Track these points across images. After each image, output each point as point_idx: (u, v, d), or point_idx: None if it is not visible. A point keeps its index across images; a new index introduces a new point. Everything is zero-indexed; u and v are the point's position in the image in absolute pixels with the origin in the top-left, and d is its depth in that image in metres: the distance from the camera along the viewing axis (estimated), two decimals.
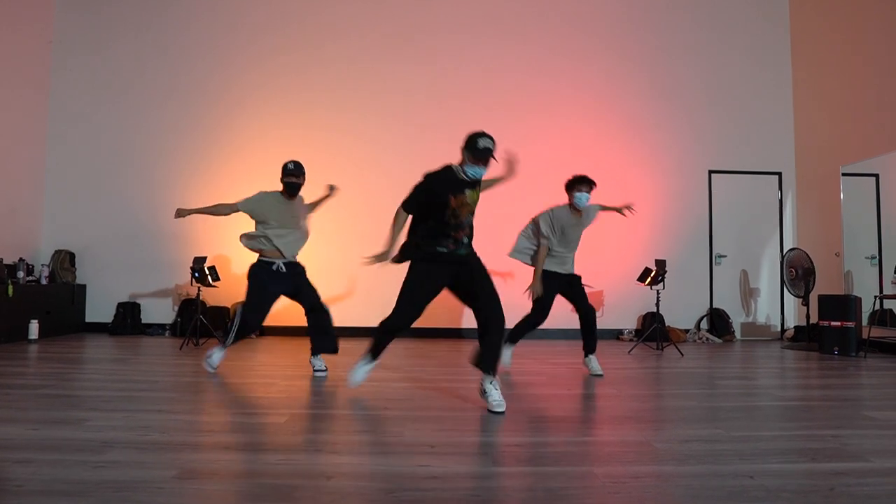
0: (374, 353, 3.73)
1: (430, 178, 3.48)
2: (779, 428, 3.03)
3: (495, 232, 7.52)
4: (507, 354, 4.92)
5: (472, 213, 3.57)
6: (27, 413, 3.15)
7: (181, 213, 4.48)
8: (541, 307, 4.73)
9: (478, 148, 3.37)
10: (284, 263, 4.49)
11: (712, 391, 4.09)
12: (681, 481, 2.19)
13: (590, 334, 4.79)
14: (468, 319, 7.55)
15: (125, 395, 3.66)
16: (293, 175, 4.49)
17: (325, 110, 7.75)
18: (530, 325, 4.81)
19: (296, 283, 4.55)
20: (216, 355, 4.56)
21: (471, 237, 3.61)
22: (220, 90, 7.77)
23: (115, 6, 7.84)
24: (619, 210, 5.12)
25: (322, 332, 4.61)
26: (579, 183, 4.66)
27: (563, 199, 4.83)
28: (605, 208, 5.09)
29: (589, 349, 4.83)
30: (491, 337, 3.45)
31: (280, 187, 4.57)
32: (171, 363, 5.07)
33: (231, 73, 7.79)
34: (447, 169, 3.52)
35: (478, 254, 3.69)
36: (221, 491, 2.05)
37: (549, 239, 4.69)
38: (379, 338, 3.67)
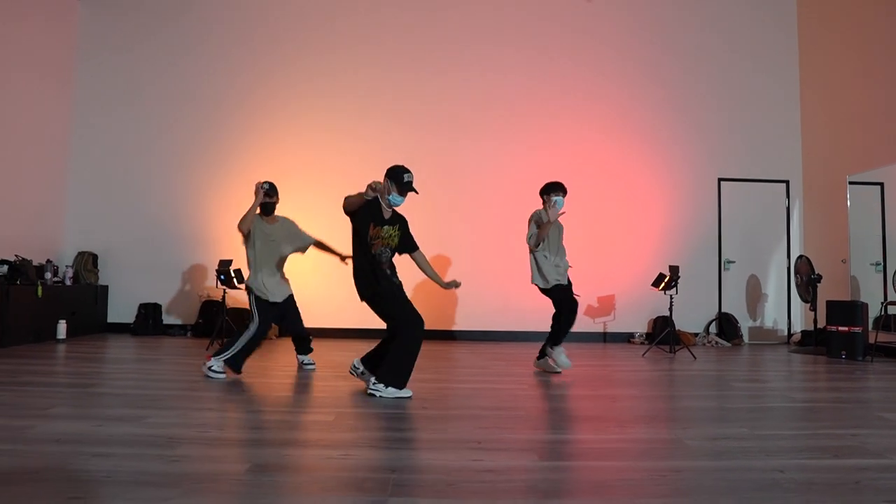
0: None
1: (365, 203, 3.89)
2: (799, 427, 3.22)
3: (504, 235, 7.71)
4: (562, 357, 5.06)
5: (390, 247, 3.99)
6: (87, 410, 3.32)
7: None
8: (564, 307, 4.97)
9: (403, 181, 3.89)
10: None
11: (730, 393, 4.28)
12: (717, 475, 2.36)
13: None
14: (466, 322, 7.75)
15: (172, 394, 3.83)
16: (266, 195, 4.73)
17: (346, 115, 7.93)
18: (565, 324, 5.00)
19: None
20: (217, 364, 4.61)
21: (393, 270, 4.03)
22: (243, 94, 7.95)
23: (138, 12, 8.02)
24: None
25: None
26: (557, 189, 4.99)
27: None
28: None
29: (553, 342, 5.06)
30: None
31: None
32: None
33: (253, 77, 7.97)
34: (376, 202, 3.94)
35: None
36: (297, 483, 2.22)
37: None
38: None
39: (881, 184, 7.19)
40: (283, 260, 4.90)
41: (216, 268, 6.47)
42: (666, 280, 6.34)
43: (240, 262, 7.53)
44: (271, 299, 4.73)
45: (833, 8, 7.83)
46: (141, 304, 7.70)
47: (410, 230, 4.17)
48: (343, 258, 4.98)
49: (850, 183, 7.33)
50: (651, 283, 6.77)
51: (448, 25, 8.07)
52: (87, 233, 7.84)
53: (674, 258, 7.80)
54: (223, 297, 6.42)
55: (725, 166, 8.10)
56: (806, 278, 7.20)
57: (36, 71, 7.23)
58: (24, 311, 6.25)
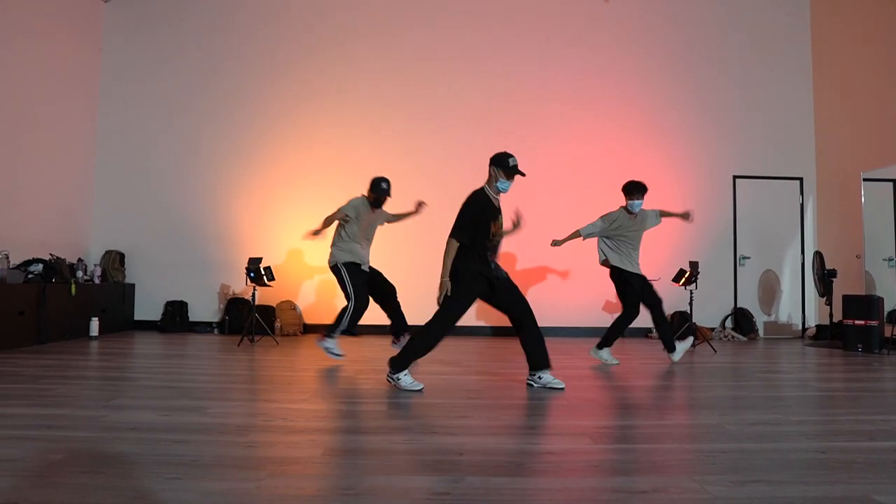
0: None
1: (477, 204, 3.95)
2: (830, 414, 3.37)
3: (533, 231, 7.87)
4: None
5: (500, 236, 4.12)
6: (147, 402, 3.47)
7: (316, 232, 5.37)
8: (631, 303, 5.35)
9: (509, 166, 3.95)
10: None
11: (755, 383, 4.42)
12: (764, 455, 2.51)
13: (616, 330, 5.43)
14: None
15: (222, 387, 3.98)
16: (386, 193, 5.34)
17: (367, 110, 8.08)
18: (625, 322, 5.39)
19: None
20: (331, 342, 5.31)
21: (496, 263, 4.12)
22: (266, 91, 8.10)
23: (162, 14, 8.16)
24: (681, 216, 5.75)
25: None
26: (634, 190, 5.48)
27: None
28: (665, 214, 5.70)
29: (606, 342, 5.42)
30: (532, 335, 4.09)
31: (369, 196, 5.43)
32: (239, 358, 5.39)
33: (276, 74, 8.11)
34: (483, 195, 4.00)
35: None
36: (375, 465, 2.37)
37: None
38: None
39: (894, 180, 7.33)
40: (373, 233, 5.51)
41: (245, 266, 6.62)
42: (686, 276, 6.48)
43: (269, 259, 7.70)
44: (363, 266, 5.32)
45: (846, 7, 7.97)
46: (168, 302, 7.86)
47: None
48: (418, 206, 5.62)
49: (865, 180, 7.46)
50: (671, 279, 6.91)
51: (467, 21, 8.21)
52: (114, 232, 7.99)
53: (690, 254, 7.94)
54: (253, 295, 6.55)
55: (740, 164, 8.24)
56: (819, 273, 7.33)
57: (63, 71, 7.37)
58: (60, 308, 6.40)
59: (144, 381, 4.14)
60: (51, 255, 6.63)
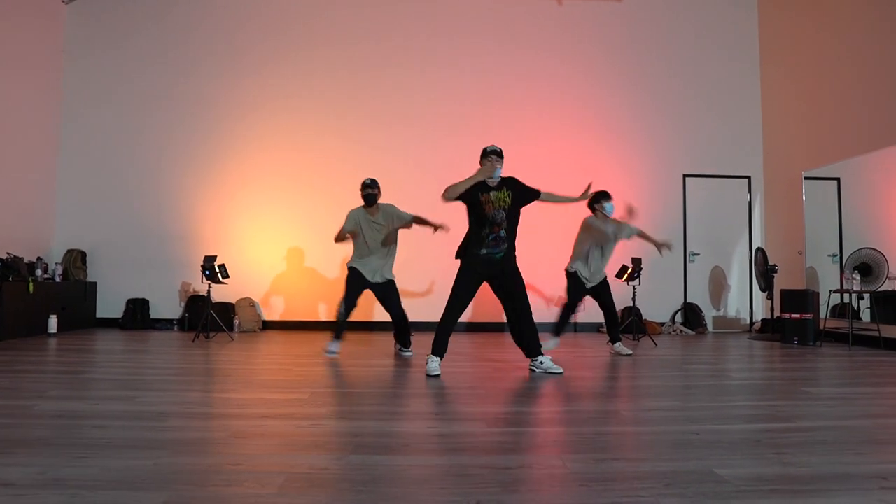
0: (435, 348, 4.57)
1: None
2: (726, 400, 3.59)
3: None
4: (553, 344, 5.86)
5: (504, 209, 4.50)
6: (84, 392, 3.63)
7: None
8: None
9: (485, 153, 4.52)
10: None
11: (679, 374, 4.65)
12: (638, 437, 2.73)
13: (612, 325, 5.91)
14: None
15: (161, 379, 4.15)
16: (369, 188, 5.47)
17: (332, 114, 8.24)
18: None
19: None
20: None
21: (509, 235, 4.55)
22: (229, 93, 8.24)
23: (124, 16, 8.27)
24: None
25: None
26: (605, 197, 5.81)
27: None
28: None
29: (614, 338, 5.91)
30: (528, 326, 4.62)
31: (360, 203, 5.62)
32: (189, 353, 5.55)
33: (239, 76, 8.25)
34: (479, 183, 4.54)
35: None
36: (271, 445, 2.55)
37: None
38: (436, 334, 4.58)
39: (837, 178, 7.60)
40: (387, 239, 5.54)
41: (201, 264, 6.76)
42: (629, 272, 6.71)
43: (230, 258, 7.86)
44: (371, 279, 5.49)
45: (793, 9, 8.24)
46: (129, 300, 7.98)
47: (521, 185, 4.64)
48: (435, 229, 5.43)
49: (806, 178, 7.74)
50: (615, 275, 7.13)
51: (428, 27, 8.40)
52: (76, 231, 8.10)
53: (641, 251, 8.18)
54: (208, 292, 6.70)
55: (690, 162, 8.50)
56: (761, 269, 7.60)
57: (24, 71, 7.47)
58: (17, 306, 6.51)
59: (87, 375, 4.29)
60: (7, 253, 6.73)
